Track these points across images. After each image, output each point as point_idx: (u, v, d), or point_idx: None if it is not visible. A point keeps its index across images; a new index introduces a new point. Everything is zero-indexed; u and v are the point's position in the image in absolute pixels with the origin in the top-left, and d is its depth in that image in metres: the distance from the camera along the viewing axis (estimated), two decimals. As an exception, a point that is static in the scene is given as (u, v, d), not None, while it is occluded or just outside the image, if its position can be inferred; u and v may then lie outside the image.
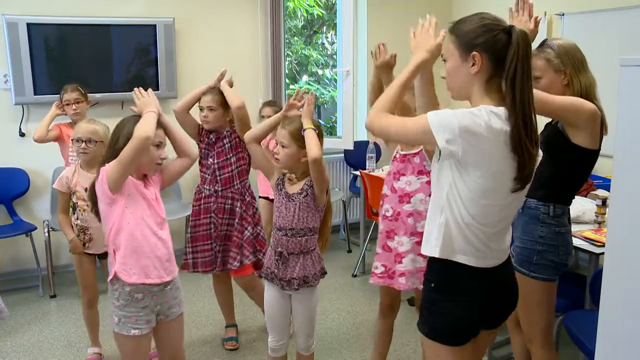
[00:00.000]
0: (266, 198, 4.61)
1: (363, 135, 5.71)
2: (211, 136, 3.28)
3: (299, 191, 2.55)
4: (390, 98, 1.87)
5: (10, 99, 4.46)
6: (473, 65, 1.73)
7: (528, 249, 2.40)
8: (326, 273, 2.71)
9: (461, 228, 1.74)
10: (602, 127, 2.28)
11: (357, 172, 4.76)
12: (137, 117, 2.35)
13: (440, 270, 1.81)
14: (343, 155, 5.63)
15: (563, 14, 4.71)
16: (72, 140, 3.13)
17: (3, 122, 4.52)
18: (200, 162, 3.31)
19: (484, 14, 1.76)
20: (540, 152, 1.79)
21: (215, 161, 3.26)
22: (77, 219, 3.14)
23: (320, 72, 7.61)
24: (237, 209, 3.29)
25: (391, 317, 3.01)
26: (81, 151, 3.06)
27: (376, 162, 4.79)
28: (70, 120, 4.01)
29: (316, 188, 2.52)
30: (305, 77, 7.53)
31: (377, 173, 4.46)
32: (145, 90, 2.49)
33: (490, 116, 1.64)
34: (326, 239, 2.70)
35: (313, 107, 2.55)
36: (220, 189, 3.27)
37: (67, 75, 4.48)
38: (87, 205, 3.05)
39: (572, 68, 2.30)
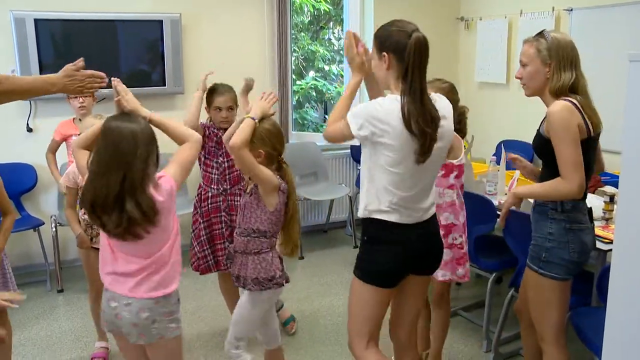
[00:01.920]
0: None
1: (370, 131, 5.70)
2: (220, 134, 3.23)
3: (248, 190, 2.54)
4: (338, 113, 2.30)
5: (18, 95, 4.46)
6: (385, 62, 2.15)
7: (538, 246, 2.40)
8: (280, 285, 2.56)
9: (380, 192, 2.16)
10: (584, 117, 2.28)
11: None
12: (134, 116, 2.19)
13: (368, 227, 2.24)
14: (349, 150, 5.63)
15: (571, 9, 4.68)
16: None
17: (11, 117, 4.54)
18: (205, 162, 3.28)
19: (398, 22, 2.21)
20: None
21: (226, 159, 3.23)
22: (85, 213, 3.14)
23: (326, 67, 7.60)
24: None
25: (445, 307, 3.06)
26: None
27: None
28: (75, 117, 4.03)
29: (260, 188, 2.46)
30: (311, 73, 7.52)
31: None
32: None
33: (388, 101, 2.10)
34: (295, 244, 2.61)
35: (270, 105, 2.54)
36: (229, 187, 3.25)
37: (75, 71, 4.49)
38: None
39: (557, 63, 2.32)
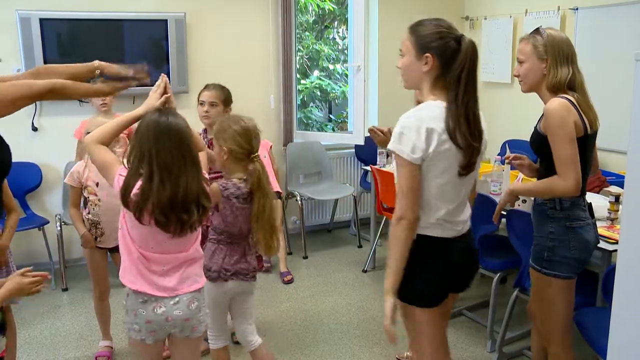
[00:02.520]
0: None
1: (374, 131, 5.69)
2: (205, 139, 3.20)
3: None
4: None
5: (23, 94, 4.47)
6: (425, 64, 2.00)
7: (540, 245, 2.41)
8: (211, 279, 2.53)
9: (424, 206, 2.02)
10: (580, 115, 2.30)
11: (368, 168, 4.75)
12: (172, 111, 2.17)
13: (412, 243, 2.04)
14: (354, 150, 5.63)
15: (577, 9, 4.66)
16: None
17: (16, 116, 4.46)
18: None
19: (442, 21, 2.06)
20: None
21: None
22: (89, 213, 3.15)
23: (331, 67, 7.59)
24: None
25: None
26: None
27: (387, 157, 4.77)
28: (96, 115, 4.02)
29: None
30: (316, 72, 7.51)
31: (388, 168, 4.45)
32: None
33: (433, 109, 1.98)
34: (266, 244, 2.56)
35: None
36: None
37: (79, 70, 4.50)
38: (99, 200, 3.09)
39: (553, 59, 2.36)
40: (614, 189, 3.30)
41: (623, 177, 1.72)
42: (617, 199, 3.04)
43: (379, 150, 4.65)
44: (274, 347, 3.48)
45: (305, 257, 4.99)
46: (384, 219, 4.80)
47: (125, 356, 3.40)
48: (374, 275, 4.64)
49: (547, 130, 2.30)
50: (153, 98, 2.27)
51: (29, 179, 4.52)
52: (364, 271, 4.70)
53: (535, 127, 2.43)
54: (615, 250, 2.79)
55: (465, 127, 1.94)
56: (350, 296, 4.14)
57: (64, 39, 4.56)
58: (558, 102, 2.28)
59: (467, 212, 2.16)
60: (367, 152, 5.31)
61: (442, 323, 2.18)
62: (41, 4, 4.43)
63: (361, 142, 5.15)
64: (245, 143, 2.51)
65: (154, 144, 2.04)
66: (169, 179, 2.02)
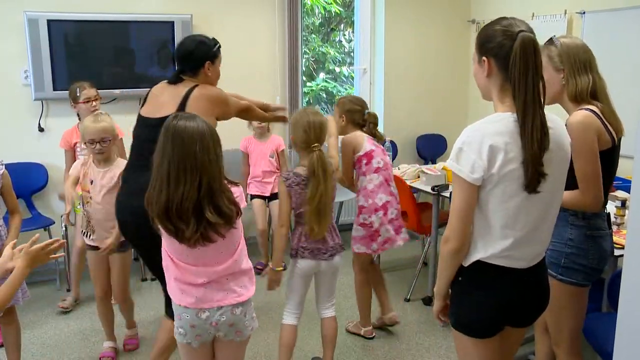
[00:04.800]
0: (259, 196, 4.65)
1: (380, 133, 5.69)
2: None
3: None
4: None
5: (30, 95, 4.50)
6: (484, 69, 1.82)
7: (557, 252, 2.36)
8: (301, 257, 2.87)
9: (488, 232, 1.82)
10: (606, 125, 2.26)
11: (373, 170, 4.73)
12: (194, 116, 2.10)
13: (469, 266, 1.86)
14: (359, 153, 5.62)
15: (584, 12, 4.65)
16: (84, 142, 3.13)
17: (23, 117, 4.57)
18: None
19: (504, 20, 1.82)
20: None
21: None
22: (83, 207, 3.17)
23: (337, 69, 7.59)
24: None
25: (364, 274, 3.61)
26: (97, 152, 3.05)
27: (392, 160, 4.77)
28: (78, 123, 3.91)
29: None
30: (322, 75, 7.51)
31: (393, 171, 4.44)
32: None
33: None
34: (310, 227, 2.81)
35: None
36: None
37: (86, 71, 4.52)
38: (91, 198, 3.09)
39: (570, 68, 2.30)
40: (620, 193, 3.29)
41: (629, 181, 1.70)
42: (624, 203, 3.02)
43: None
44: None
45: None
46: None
47: (130, 356, 3.41)
48: (379, 278, 4.63)
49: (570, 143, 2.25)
50: None
51: (35, 180, 4.54)
52: (369, 274, 4.68)
53: None
54: (621, 256, 2.77)
55: (530, 141, 1.72)
56: (354, 299, 4.11)
57: (71, 40, 4.57)
58: (581, 116, 2.22)
59: (544, 240, 1.91)
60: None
61: (494, 357, 1.93)
62: (49, 5, 4.45)
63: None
64: (305, 134, 2.76)
65: (160, 151, 2.01)
66: (167, 187, 1.97)
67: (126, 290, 3.36)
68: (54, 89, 4.48)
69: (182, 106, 2.73)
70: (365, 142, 3.39)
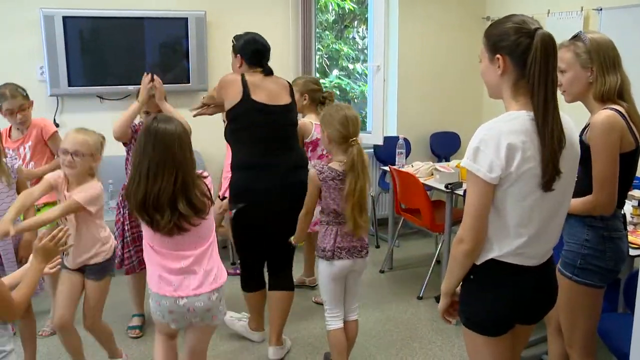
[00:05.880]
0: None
1: (393, 131, 5.68)
2: None
3: None
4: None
5: (45, 91, 4.53)
6: (498, 67, 1.78)
7: (573, 252, 2.33)
8: (328, 258, 2.82)
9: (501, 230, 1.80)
10: (630, 127, 2.21)
11: (387, 168, 4.72)
12: (171, 118, 2.33)
13: (482, 265, 1.84)
14: (373, 150, 5.59)
15: (601, 9, 4.60)
16: (58, 150, 2.84)
17: (39, 113, 4.55)
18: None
19: (515, 17, 1.80)
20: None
21: None
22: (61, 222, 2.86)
23: (350, 66, 7.57)
24: None
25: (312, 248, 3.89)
26: (66, 164, 2.69)
27: (406, 157, 4.75)
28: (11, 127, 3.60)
29: None
30: (335, 72, 7.50)
31: (407, 169, 4.43)
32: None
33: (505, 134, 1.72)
34: (354, 223, 2.75)
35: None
36: None
37: (101, 67, 4.56)
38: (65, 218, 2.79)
39: (599, 66, 2.23)
40: (637, 192, 3.25)
41: (646, 181, 1.69)
42: (640, 203, 2.99)
43: (398, 151, 4.63)
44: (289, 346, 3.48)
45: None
46: (402, 219, 4.78)
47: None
48: (391, 276, 4.62)
49: (590, 144, 2.19)
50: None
51: (50, 175, 4.56)
52: (381, 272, 4.68)
53: (580, 137, 2.26)
54: (638, 256, 2.75)
55: (551, 139, 1.70)
56: (367, 297, 4.12)
57: (86, 37, 4.60)
58: (605, 116, 2.17)
59: (554, 237, 1.90)
60: (386, 152, 5.29)
61: (505, 355, 1.92)
62: (64, 2, 4.48)
63: (380, 142, 5.12)
64: (342, 128, 2.72)
65: (140, 149, 2.23)
66: (146, 181, 2.18)
67: (97, 317, 2.94)
68: (69, 85, 4.51)
69: (291, 95, 3.31)
70: (313, 129, 3.77)
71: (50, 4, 4.42)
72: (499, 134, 1.71)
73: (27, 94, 3.52)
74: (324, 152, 3.69)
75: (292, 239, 3.00)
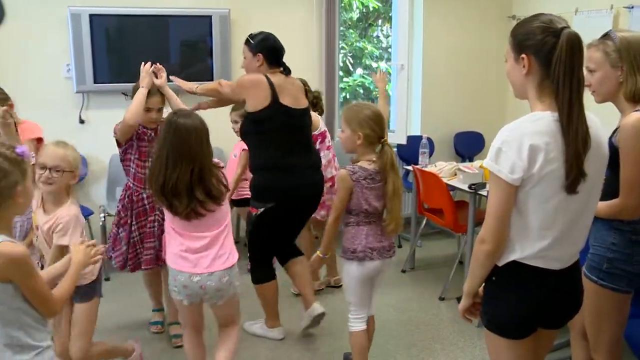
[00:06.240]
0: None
1: (416, 130, 5.64)
2: (150, 132, 3.26)
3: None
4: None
5: (72, 87, 4.60)
6: (523, 67, 1.76)
7: (599, 256, 2.28)
8: (360, 259, 2.78)
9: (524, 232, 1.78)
10: None
11: (410, 167, 4.70)
12: (192, 113, 2.56)
13: (504, 266, 1.82)
14: (396, 149, 5.55)
15: (632, 7, 4.50)
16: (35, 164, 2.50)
17: (64, 109, 4.66)
18: (136, 163, 3.26)
19: (542, 16, 1.77)
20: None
21: None
22: (37, 240, 2.70)
23: (374, 65, 7.55)
24: None
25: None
26: (43, 180, 2.48)
27: (429, 157, 4.72)
28: None
29: None
30: (359, 70, 7.48)
31: (430, 169, 4.39)
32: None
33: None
34: (396, 222, 2.78)
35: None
36: None
37: (126, 65, 4.61)
38: (36, 238, 2.67)
39: (630, 65, 2.16)
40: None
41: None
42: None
43: (421, 150, 4.60)
44: (310, 346, 3.48)
45: (344, 256, 4.96)
46: (425, 219, 4.74)
47: None
48: (413, 276, 4.60)
49: (620, 146, 2.14)
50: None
51: (76, 171, 4.62)
52: (403, 271, 4.66)
53: (610, 139, 2.21)
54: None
55: (575, 140, 1.67)
56: (388, 296, 4.10)
57: (111, 35, 4.66)
58: (636, 119, 2.11)
59: (579, 241, 1.86)
60: (409, 152, 5.25)
61: (527, 359, 1.89)
62: (91, 0, 4.52)
63: (403, 142, 5.09)
64: (377, 127, 2.72)
65: (161, 141, 2.45)
66: (165, 170, 2.40)
67: (87, 343, 2.72)
68: (95, 82, 4.57)
69: (306, 96, 3.47)
70: (320, 122, 4.00)
71: (77, 2, 4.48)
72: (522, 135, 1.68)
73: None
74: (330, 143, 3.98)
75: (319, 252, 2.93)
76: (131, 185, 3.31)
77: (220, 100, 3.43)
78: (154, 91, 3.25)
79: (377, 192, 2.74)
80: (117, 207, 3.39)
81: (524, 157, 1.67)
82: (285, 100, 3.21)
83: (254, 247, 3.46)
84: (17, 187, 1.79)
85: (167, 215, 2.55)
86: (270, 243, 3.43)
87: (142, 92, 3.20)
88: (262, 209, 3.24)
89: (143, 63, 3.28)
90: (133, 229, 3.30)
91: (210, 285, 2.52)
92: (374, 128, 2.72)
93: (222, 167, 2.56)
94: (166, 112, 3.20)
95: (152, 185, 2.47)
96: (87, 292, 2.68)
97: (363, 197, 2.72)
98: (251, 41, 3.33)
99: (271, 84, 3.18)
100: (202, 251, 2.52)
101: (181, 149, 2.40)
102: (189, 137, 2.41)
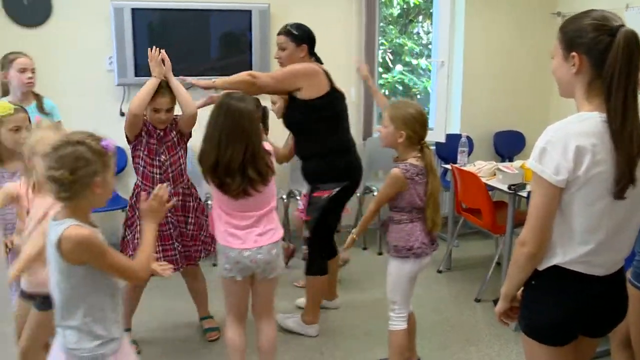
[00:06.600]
0: None
1: (456, 128, 5.55)
2: (159, 131, 3.18)
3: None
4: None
5: (113, 80, 4.67)
6: (573, 65, 1.69)
7: None
8: (418, 255, 2.81)
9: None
10: None
11: (448, 166, 4.63)
12: (244, 97, 2.66)
13: (545, 271, 1.78)
14: (434, 147, 5.49)
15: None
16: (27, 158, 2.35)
17: (106, 101, 4.74)
18: (145, 160, 3.19)
19: (594, 12, 1.69)
20: None
21: (168, 157, 3.18)
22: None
23: (414, 61, 7.47)
24: (189, 203, 3.26)
25: None
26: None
27: (468, 156, 4.64)
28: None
29: None
30: (398, 67, 7.42)
31: (469, 168, 4.32)
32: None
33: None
34: (434, 222, 2.81)
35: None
36: (172, 186, 3.15)
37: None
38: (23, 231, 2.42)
39: None
40: None
41: None
42: None
43: (460, 149, 4.52)
44: (344, 345, 3.46)
45: (380, 254, 4.93)
46: (462, 219, 4.67)
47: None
48: (449, 276, 4.53)
49: None
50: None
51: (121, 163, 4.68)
52: (439, 271, 4.60)
53: None
54: None
55: (629, 144, 1.61)
56: (423, 297, 4.05)
57: (153, 29, 4.72)
58: None
59: (625, 248, 1.80)
60: (447, 150, 5.18)
61: None
62: (134, -6, 4.59)
63: (442, 140, 5.02)
64: (420, 128, 2.74)
65: (212, 121, 2.55)
66: (217, 149, 2.50)
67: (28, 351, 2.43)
68: (136, 75, 4.62)
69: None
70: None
71: (121, -4, 4.55)
72: (568, 136, 1.63)
73: None
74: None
75: (353, 234, 2.94)
76: (139, 184, 3.26)
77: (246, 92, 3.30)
78: (163, 92, 3.11)
79: (424, 187, 2.78)
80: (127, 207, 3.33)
81: (569, 158, 1.62)
82: (336, 85, 3.38)
83: (319, 234, 3.44)
84: (96, 177, 1.83)
85: (215, 195, 2.65)
86: (333, 229, 3.56)
87: (152, 82, 3.08)
88: (337, 189, 3.34)
89: (149, 50, 3.16)
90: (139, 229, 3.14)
91: (261, 258, 2.62)
92: (417, 129, 2.73)
93: (270, 154, 2.66)
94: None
95: (204, 164, 2.56)
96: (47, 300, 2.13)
97: (416, 193, 2.75)
98: (294, 32, 3.37)
99: (325, 72, 3.32)
100: (249, 228, 2.63)
101: (234, 130, 2.49)
102: (242, 119, 2.51)
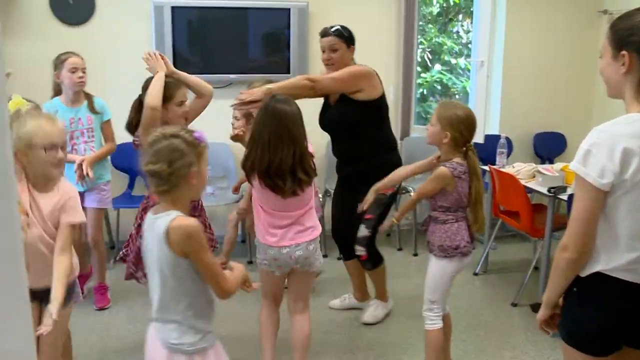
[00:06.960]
0: None
1: (494, 129, 5.46)
2: None
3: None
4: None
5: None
6: (622, 65, 1.64)
7: None
8: (464, 254, 2.81)
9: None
10: None
11: (486, 167, 4.55)
12: (289, 100, 2.66)
13: (587, 277, 1.72)
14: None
15: None
16: (23, 151, 2.17)
17: (131, 96, 4.80)
18: None
19: None
20: None
21: None
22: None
23: (453, 61, 7.38)
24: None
25: None
26: (56, 163, 2.23)
27: (507, 157, 4.56)
28: None
29: None
30: (437, 66, 7.34)
31: (507, 169, 4.24)
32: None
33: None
34: (479, 224, 2.85)
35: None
36: None
37: (204, 56, 4.71)
38: (27, 225, 2.20)
39: None
40: None
41: None
42: None
43: (499, 150, 4.45)
44: (376, 345, 3.44)
45: (415, 255, 4.89)
46: (500, 221, 4.59)
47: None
48: (486, 279, 4.46)
49: None
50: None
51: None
52: (475, 274, 4.53)
53: None
54: None
55: None
56: (459, 299, 4.00)
57: (192, 27, 4.78)
58: None
59: None
60: (486, 151, 5.07)
61: None
62: (174, -8, 4.64)
63: (480, 141, 4.95)
64: (466, 131, 2.72)
65: (260, 124, 2.58)
66: (267, 151, 2.52)
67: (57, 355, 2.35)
68: (175, 73, 4.68)
69: None
70: None
71: (161, -6, 4.61)
72: (615, 137, 1.58)
73: None
74: None
75: (394, 219, 3.02)
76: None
77: (302, 96, 3.12)
78: (177, 84, 3.00)
79: (468, 185, 2.80)
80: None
81: (615, 161, 1.57)
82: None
83: (374, 230, 3.45)
84: (192, 168, 1.88)
85: (257, 194, 2.71)
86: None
87: (160, 77, 2.92)
88: (397, 186, 3.45)
89: (145, 52, 3.04)
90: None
91: (299, 254, 2.68)
92: (463, 131, 2.72)
93: (313, 156, 2.70)
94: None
95: (255, 166, 2.58)
96: (67, 299, 2.23)
97: (463, 192, 2.76)
98: (345, 34, 3.42)
99: (377, 74, 3.42)
100: (288, 227, 2.69)
101: (282, 132, 2.53)
102: (288, 122, 2.55)
